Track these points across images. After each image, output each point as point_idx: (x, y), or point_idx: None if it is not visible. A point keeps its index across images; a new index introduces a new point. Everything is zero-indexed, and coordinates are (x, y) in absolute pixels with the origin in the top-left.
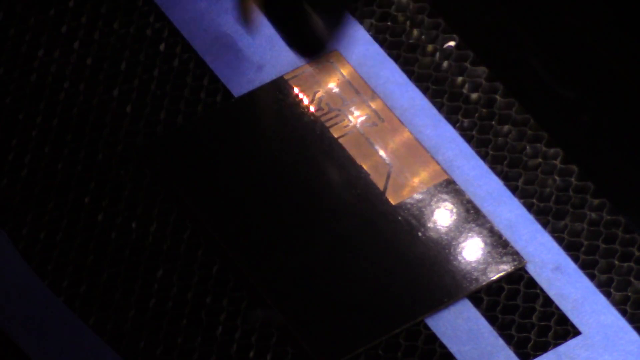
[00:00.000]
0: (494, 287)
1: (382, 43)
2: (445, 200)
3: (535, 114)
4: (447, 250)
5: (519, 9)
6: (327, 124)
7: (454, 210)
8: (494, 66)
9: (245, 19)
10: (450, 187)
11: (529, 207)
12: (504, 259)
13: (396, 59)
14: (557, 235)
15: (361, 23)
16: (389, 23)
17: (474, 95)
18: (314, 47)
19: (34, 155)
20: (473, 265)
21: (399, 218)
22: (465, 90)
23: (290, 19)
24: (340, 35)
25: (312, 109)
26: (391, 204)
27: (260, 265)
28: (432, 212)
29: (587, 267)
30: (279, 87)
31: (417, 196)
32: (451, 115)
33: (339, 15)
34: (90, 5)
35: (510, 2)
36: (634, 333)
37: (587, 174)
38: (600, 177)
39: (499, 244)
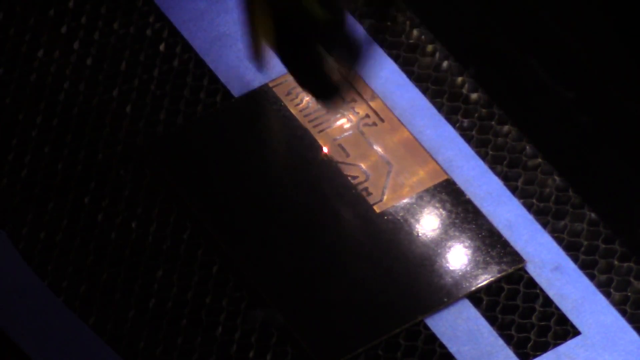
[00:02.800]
0: (494, 287)
1: (381, 43)
2: (445, 201)
3: (534, 115)
4: (446, 251)
5: (519, 9)
6: (327, 124)
7: (454, 210)
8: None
9: (256, 57)
10: (450, 187)
11: (529, 207)
12: (504, 259)
13: (396, 59)
14: (557, 235)
15: (361, 23)
16: (388, 23)
17: (474, 96)
18: (328, 90)
19: (34, 155)
20: (473, 265)
21: (399, 218)
22: (465, 91)
23: (304, 61)
24: (355, 79)
25: (311, 109)
26: (391, 203)
27: (260, 265)
28: (431, 212)
29: (587, 267)
30: (279, 88)
31: (416, 196)
32: (451, 115)
33: (355, 60)
34: (90, 5)
35: (510, 2)
36: (633, 333)
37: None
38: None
39: (498, 244)
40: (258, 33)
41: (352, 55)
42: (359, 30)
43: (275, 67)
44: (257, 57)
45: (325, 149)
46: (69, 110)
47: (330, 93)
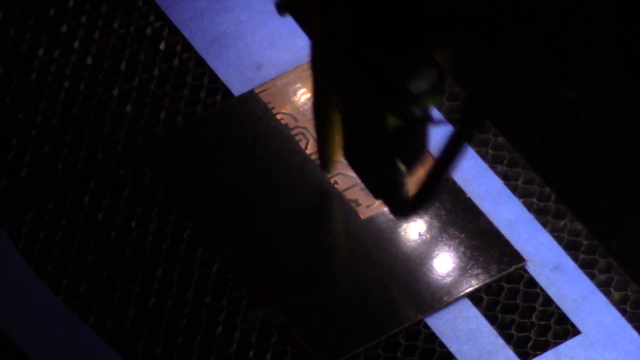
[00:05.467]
0: (494, 287)
1: None
2: (444, 200)
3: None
4: (446, 250)
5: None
6: None
7: (454, 209)
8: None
9: (325, 165)
10: (449, 186)
11: (529, 207)
12: (504, 258)
13: None
14: (557, 234)
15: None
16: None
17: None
18: (403, 203)
19: (34, 155)
20: (473, 264)
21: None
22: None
23: (377, 173)
24: (433, 197)
25: (311, 109)
26: None
27: (260, 264)
28: (431, 212)
29: (587, 267)
30: (278, 87)
31: None
32: (451, 114)
33: (434, 179)
34: (90, 5)
35: (509, 1)
36: (633, 332)
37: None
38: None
39: (498, 243)
40: (328, 140)
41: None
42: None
43: (275, 65)
44: (327, 165)
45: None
46: (69, 110)
47: (404, 205)
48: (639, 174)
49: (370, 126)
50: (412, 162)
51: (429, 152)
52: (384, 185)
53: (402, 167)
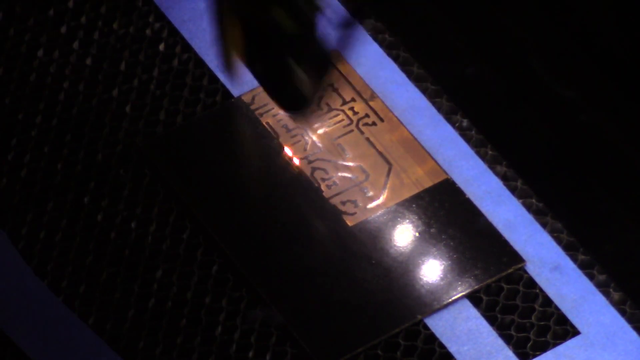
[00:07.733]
0: (493, 287)
1: (381, 43)
2: (444, 200)
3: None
4: (446, 250)
5: (518, 8)
6: (326, 124)
7: (453, 209)
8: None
9: (228, 69)
10: (449, 186)
11: (528, 207)
12: (503, 258)
13: (395, 58)
14: (556, 235)
15: (361, 23)
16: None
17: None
18: (297, 101)
19: (34, 155)
20: (472, 265)
21: (398, 217)
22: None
23: (274, 73)
24: (322, 91)
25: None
26: (390, 203)
27: (259, 265)
28: (431, 212)
29: (586, 267)
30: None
31: (416, 195)
32: (450, 115)
33: (323, 71)
34: (89, 5)
35: (509, 1)
36: (633, 333)
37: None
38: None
39: (498, 243)
40: (228, 45)
41: (322, 67)
42: (331, 31)
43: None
44: (229, 69)
45: (296, 161)
46: (69, 110)
47: (299, 105)
48: (626, 185)
49: (267, 27)
50: (307, 63)
51: (324, 53)
52: (279, 85)
53: (297, 67)
